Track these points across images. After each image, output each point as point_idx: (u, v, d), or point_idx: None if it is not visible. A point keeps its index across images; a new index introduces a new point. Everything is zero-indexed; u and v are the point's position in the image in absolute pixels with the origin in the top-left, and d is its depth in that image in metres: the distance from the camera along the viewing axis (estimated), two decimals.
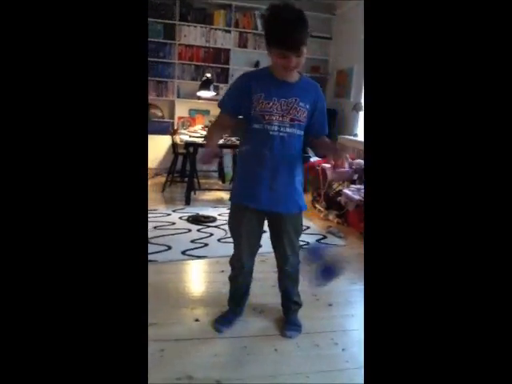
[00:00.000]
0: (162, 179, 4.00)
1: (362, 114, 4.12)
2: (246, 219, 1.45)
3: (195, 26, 4.50)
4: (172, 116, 4.73)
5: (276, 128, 1.30)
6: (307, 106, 1.32)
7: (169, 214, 3.06)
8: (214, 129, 1.57)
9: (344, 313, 1.88)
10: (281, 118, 1.29)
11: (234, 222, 1.52)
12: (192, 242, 2.50)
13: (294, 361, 1.50)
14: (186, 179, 3.64)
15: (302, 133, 1.37)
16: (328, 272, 1.47)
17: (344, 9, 4.61)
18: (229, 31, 4.60)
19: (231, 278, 1.63)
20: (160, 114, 4.68)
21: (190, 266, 2.28)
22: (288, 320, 1.67)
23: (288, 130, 1.32)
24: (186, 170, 4.09)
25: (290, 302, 1.67)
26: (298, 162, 1.43)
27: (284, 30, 1.16)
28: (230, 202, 1.55)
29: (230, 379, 1.38)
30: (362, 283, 2.11)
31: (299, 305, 1.69)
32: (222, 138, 1.44)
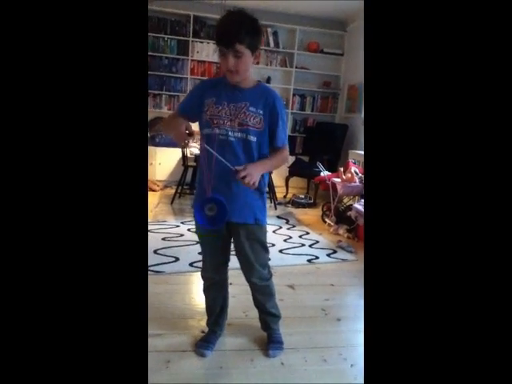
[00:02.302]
0: (172, 191, 4.03)
1: None
2: (205, 231, 1.39)
3: (208, 43, 4.60)
4: None
5: (224, 132, 1.25)
6: (260, 112, 1.26)
7: (177, 226, 3.06)
8: (164, 122, 1.46)
9: (353, 328, 1.83)
10: (229, 123, 1.25)
11: (198, 235, 1.48)
12: (200, 253, 2.47)
13: (302, 375, 1.45)
14: (195, 191, 3.63)
15: (258, 139, 1.28)
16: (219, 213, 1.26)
17: (355, 24, 4.67)
18: None
19: (204, 291, 1.58)
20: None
21: (198, 277, 2.22)
22: (269, 338, 1.59)
23: (237, 134, 1.25)
24: (195, 182, 4.10)
25: (266, 315, 1.58)
26: None
27: (221, 25, 1.19)
28: None
29: None
30: None
31: (277, 316, 1.60)
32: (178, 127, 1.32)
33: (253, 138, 1.28)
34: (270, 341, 1.58)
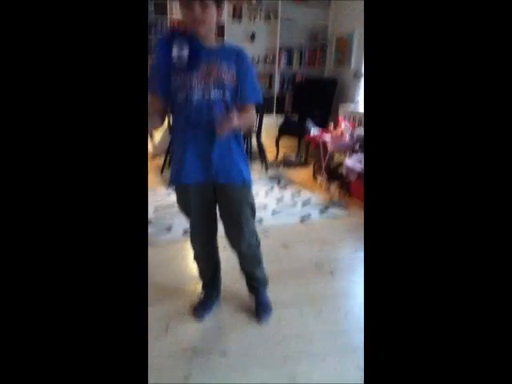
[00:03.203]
0: (161, 161, 3.98)
1: (362, 81, 4.00)
2: (190, 199, 1.36)
3: None
4: None
5: (200, 93, 1.20)
6: (232, 67, 1.22)
7: (168, 195, 3.05)
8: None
9: (346, 278, 1.89)
10: (203, 81, 1.20)
11: (180, 204, 1.43)
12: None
13: (298, 328, 1.51)
14: None
15: (234, 96, 1.25)
16: None
17: None
18: None
19: (195, 258, 1.58)
20: None
21: None
22: (257, 302, 1.60)
23: (214, 93, 1.21)
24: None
25: (254, 281, 1.59)
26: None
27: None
28: None
29: (236, 347, 1.40)
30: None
31: (264, 280, 1.61)
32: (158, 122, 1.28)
33: (229, 95, 1.24)
34: (258, 304, 1.59)
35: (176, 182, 1.35)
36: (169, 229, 2.43)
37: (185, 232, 2.34)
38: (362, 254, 2.12)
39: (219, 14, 1.20)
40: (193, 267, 1.97)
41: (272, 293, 1.66)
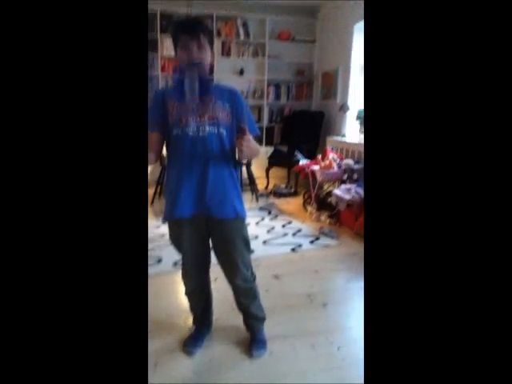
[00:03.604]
0: (151, 191, 3.97)
1: (349, 114, 4.13)
2: (184, 233, 1.35)
3: None
4: None
5: (195, 129, 1.24)
6: (226, 105, 1.28)
7: (158, 227, 3.02)
8: None
9: (338, 311, 1.86)
10: (198, 118, 1.24)
11: (173, 238, 1.42)
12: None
13: (291, 363, 1.47)
14: None
15: (228, 132, 1.29)
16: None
17: (326, 11, 4.66)
18: None
19: (187, 294, 1.54)
20: None
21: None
22: (252, 337, 1.56)
23: (208, 128, 1.24)
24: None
25: (251, 318, 1.55)
26: (226, 163, 1.31)
27: (185, 21, 1.28)
28: None
29: (229, 383, 1.36)
30: (357, 281, 2.12)
31: (262, 318, 1.58)
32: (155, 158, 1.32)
33: (223, 131, 1.28)
34: (253, 340, 1.55)
35: (170, 216, 1.34)
36: (159, 261, 2.40)
37: (175, 264, 2.31)
38: (354, 285, 2.11)
39: (212, 55, 1.27)
40: (183, 301, 1.93)
41: (264, 326, 1.62)
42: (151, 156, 1.29)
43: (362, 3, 3.68)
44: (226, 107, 1.28)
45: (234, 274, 1.42)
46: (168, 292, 2.03)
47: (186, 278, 1.49)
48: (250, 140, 1.21)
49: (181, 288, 2.04)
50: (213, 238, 1.40)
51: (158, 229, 2.98)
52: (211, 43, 1.27)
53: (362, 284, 2.02)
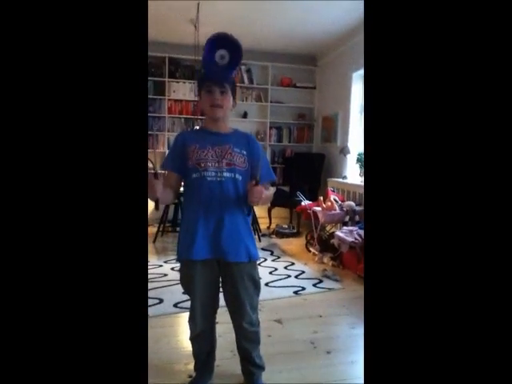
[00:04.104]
0: (154, 229, 3.98)
1: (349, 157, 4.23)
2: (195, 275, 1.35)
3: (184, 82, 4.73)
4: None
5: (213, 174, 1.29)
6: (243, 152, 1.34)
7: (160, 266, 3.00)
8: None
9: (343, 360, 1.80)
10: (217, 164, 1.30)
11: (184, 280, 1.42)
12: (184, 293, 2.43)
13: None
14: (178, 228, 3.61)
15: (243, 178, 1.33)
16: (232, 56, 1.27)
17: (325, 60, 4.91)
18: None
19: (191, 339, 1.51)
20: (151, 165, 4.74)
21: (183, 318, 2.19)
22: None
23: (225, 174, 1.30)
24: (177, 219, 4.08)
25: (251, 365, 1.51)
26: (241, 208, 1.35)
27: (209, 68, 1.36)
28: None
29: None
30: (361, 327, 2.07)
31: (261, 367, 1.53)
32: (169, 195, 1.34)
33: (239, 177, 1.33)
34: None
35: (186, 256, 1.35)
36: (160, 301, 2.36)
37: (176, 305, 2.27)
38: (358, 332, 2.06)
39: (234, 102, 1.36)
40: (184, 344, 1.88)
41: (266, 374, 1.57)
42: (170, 195, 1.34)
43: (360, 53, 3.86)
44: (242, 153, 1.34)
45: (241, 317, 1.41)
46: (169, 335, 1.98)
47: (192, 322, 1.47)
48: (261, 191, 1.26)
49: (182, 330, 2.00)
50: (223, 280, 1.41)
51: (159, 268, 2.95)
52: (234, 90, 1.35)
53: None
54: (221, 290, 1.44)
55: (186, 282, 1.42)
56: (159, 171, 1.25)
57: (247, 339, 1.47)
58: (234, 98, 1.36)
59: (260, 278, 1.47)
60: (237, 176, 1.32)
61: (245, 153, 1.34)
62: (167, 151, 4.75)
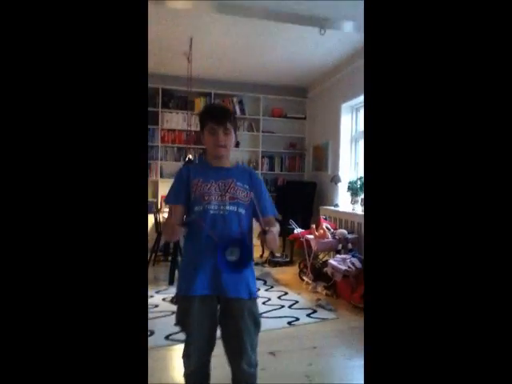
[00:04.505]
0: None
1: (340, 186, 4.28)
2: (194, 311, 1.31)
3: (177, 112, 4.82)
4: (155, 195, 4.81)
5: (216, 207, 1.30)
6: (246, 186, 1.36)
7: (151, 296, 2.94)
8: (167, 221, 1.51)
9: None
10: (220, 198, 1.31)
11: (181, 317, 1.38)
12: (176, 325, 2.37)
13: None
14: (170, 258, 3.57)
15: (246, 212, 1.34)
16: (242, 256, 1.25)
17: (315, 92, 5.07)
18: None
19: (185, 376, 1.45)
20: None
21: (175, 352, 2.13)
22: None
23: (228, 207, 1.31)
24: (169, 248, 4.03)
25: None
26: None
27: (212, 108, 1.43)
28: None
29: None
30: (358, 358, 2.03)
31: None
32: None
33: (242, 211, 1.33)
34: None
35: (185, 292, 1.32)
36: (151, 333, 2.29)
37: (167, 337, 2.21)
38: (354, 363, 2.02)
39: (236, 137, 1.39)
40: (176, 378, 1.82)
41: None
42: (182, 231, 1.31)
43: (349, 85, 4.00)
44: (245, 187, 1.35)
45: (239, 357, 1.34)
46: (160, 369, 1.92)
47: (187, 358, 1.41)
48: (274, 238, 1.30)
49: (174, 365, 1.94)
50: (221, 317, 1.36)
51: (150, 299, 2.89)
52: (235, 127, 1.39)
53: (362, 362, 1.94)
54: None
55: (183, 318, 1.37)
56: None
57: (244, 381, 1.39)
58: (236, 135, 1.40)
59: (261, 317, 1.43)
60: (240, 210, 1.32)
61: (247, 187, 1.36)
62: (159, 179, 4.77)
